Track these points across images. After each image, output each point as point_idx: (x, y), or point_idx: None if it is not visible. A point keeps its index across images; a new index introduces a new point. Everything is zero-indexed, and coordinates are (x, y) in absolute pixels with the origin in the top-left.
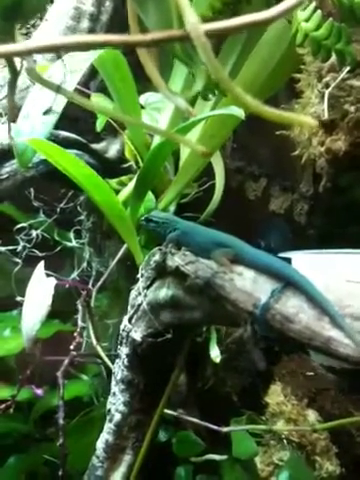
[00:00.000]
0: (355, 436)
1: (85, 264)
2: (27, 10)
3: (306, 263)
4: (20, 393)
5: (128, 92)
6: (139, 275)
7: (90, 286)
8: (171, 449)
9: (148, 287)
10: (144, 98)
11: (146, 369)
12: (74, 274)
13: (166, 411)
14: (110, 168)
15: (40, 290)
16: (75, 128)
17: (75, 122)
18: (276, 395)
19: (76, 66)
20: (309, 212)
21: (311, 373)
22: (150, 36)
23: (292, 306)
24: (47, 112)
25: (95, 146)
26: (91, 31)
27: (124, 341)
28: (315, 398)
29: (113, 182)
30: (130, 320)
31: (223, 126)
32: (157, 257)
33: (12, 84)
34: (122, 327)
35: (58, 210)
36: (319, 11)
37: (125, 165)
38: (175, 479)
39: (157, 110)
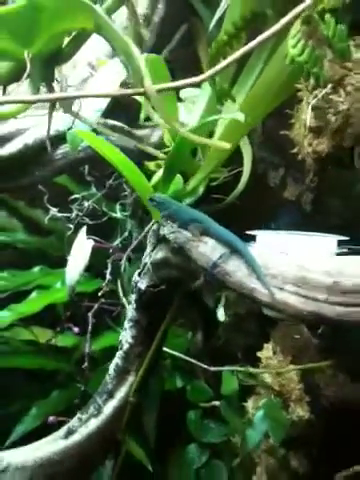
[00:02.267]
0: (322, 389)
1: (126, 233)
2: (63, 58)
3: (263, 239)
4: (65, 338)
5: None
6: (148, 241)
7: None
8: (185, 396)
9: (152, 250)
10: (184, 93)
11: (147, 312)
12: (117, 241)
13: (185, 358)
14: None
15: (80, 250)
16: (127, 117)
17: (127, 112)
18: (267, 352)
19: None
20: (313, 201)
21: (297, 336)
22: (118, 91)
23: (232, 266)
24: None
25: (140, 133)
26: (143, 31)
27: (134, 290)
28: (297, 355)
29: (151, 164)
30: (139, 274)
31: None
32: (155, 228)
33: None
34: (133, 279)
35: (107, 185)
36: (303, 40)
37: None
38: (187, 421)
39: (193, 103)
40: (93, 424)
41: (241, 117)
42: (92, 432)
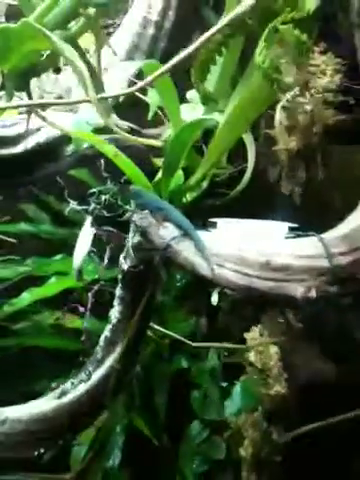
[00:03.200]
0: (301, 369)
1: None
2: (39, 70)
3: (222, 226)
4: (89, 322)
5: (169, 91)
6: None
7: None
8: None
9: (132, 236)
10: (189, 94)
11: (130, 290)
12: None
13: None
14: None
15: (84, 237)
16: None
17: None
18: (254, 333)
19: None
20: (302, 195)
21: (282, 320)
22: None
23: (182, 246)
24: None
25: (151, 132)
26: (155, 37)
27: (120, 271)
28: (279, 337)
29: (158, 161)
30: (124, 258)
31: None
32: (129, 214)
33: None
34: (119, 261)
35: (122, 180)
36: (265, 49)
37: None
38: (191, 400)
39: (196, 103)
40: (83, 388)
41: (219, 119)
42: (82, 395)
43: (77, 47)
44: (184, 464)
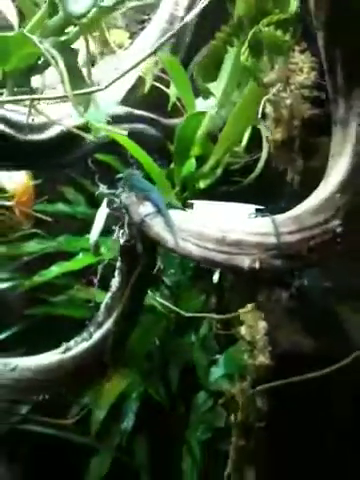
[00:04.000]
0: (283, 342)
1: None
2: (37, 71)
3: (198, 207)
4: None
5: (184, 84)
6: None
7: None
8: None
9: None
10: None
11: (126, 262)
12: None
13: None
14: None
15: (100, 215)
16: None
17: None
18: (246, 309)
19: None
20: (299, 183)
21: (275, 299)
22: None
23: (155, 222)
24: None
25: (171, 121)
26: (180, 32)
27: (119, 245)
28: (267, 313)
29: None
30: (122, 233)
31: None
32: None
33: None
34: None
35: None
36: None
37: None
38: (197, 369)
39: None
40: (84, 346)
41: (213, 112)
42: (83, 351)
43: (71, 50)
44: (190, 433)
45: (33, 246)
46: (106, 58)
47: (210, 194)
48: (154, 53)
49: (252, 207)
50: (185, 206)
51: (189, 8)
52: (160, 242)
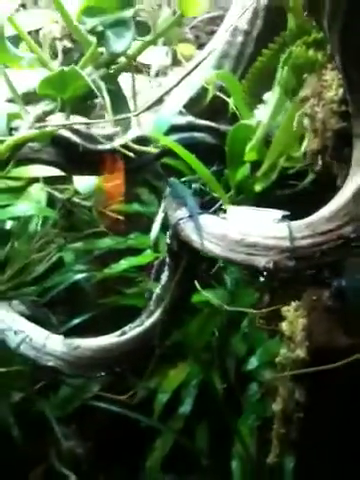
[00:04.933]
0: (320, 338)
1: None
2: (91, 96)
3: (232, 211)
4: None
5: (237, 93)
6: None
7: None
8: None
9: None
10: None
11: (173, 258)
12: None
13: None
14: None
15: (159, 216)
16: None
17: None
18: (290, 307)
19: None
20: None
21: (314, 297)
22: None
23: (187, 225)
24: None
25: (228, 129)
26: (243, 44)
27: (166, 244)
28: (309, 312)
29: None
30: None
31: None
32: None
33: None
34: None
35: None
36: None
37: None
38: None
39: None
40: (137, 330)
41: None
42: (136, 335)
43: (114, 79)
44: (241, 421)
45: (106, 242)
46: (175, 69)
47: (265, 197)
48: (185, 77)
49: (280, 213)
50: (222, 210)
51: (252, 21)
52: (189, 243)
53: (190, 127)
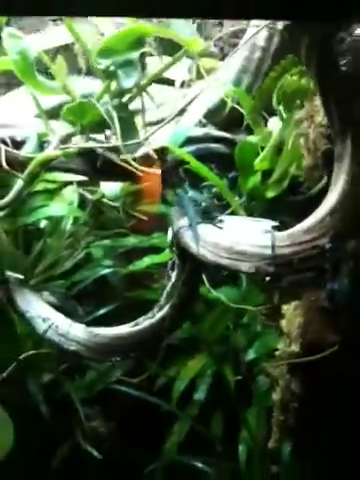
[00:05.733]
0: (313, 335)
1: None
2: (107, 124)
3: (227, 221)
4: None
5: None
6: None
7: None
8: None
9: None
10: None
11: (181, 258)
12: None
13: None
14: None
15: None
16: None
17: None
18: (290, 305)
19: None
20: None
21: (313, 299)
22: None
23: (186, 233)
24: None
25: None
26: (261, 59)
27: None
28: (306, 310)
29: None
30: None
31: None
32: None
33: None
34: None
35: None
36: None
37: None
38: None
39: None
40: (149, 322)
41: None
42: (147, 327)
43: (126, 108)
44: (250, 411)
45: (131, 240)
46: (198, 83)
47: (277, 203)
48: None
49: (270, 224)
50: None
51: (270, 38)
52: (188, 249)
53: (207, 138)
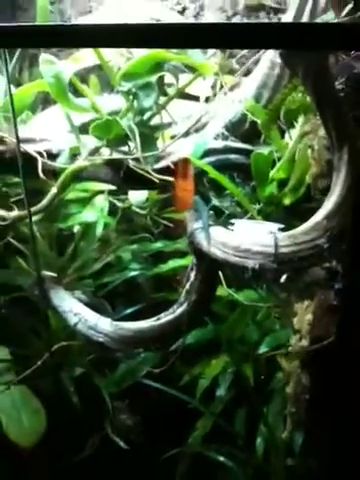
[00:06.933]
0: (321, 331)
1: None
2: (129, 139)
3: (237, 224)
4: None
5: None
6: None
7: None
8: None
9: None
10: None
11: (198, 258)
12: None
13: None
14: None
15: None
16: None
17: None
18: (302, 304)
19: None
20: None
21: (323, 296)
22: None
23: (199, 234)
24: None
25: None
26: (280, 76)
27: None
28: (316, 307)
29: None
30: None
31: None
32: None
33: None
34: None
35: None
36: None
37: None
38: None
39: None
40: (169, 317)
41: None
42: (167, 322)
43: (146, 124)
44: (268, 406)
45: (157, 245)
46: (221, 98)
47: (294, 210)
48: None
49: (276, 226)
50: (230, 223)
51: None
52: (201, 248)
53: (227, 150)
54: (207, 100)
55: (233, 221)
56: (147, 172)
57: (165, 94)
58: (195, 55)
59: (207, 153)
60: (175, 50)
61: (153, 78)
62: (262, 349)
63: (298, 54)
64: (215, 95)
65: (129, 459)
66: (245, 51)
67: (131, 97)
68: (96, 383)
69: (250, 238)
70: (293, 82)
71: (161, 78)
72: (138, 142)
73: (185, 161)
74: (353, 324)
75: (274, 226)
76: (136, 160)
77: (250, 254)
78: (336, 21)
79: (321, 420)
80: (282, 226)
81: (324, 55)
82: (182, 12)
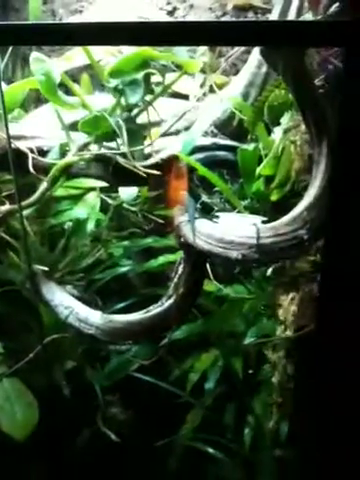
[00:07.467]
0: (304, 321)
1: None
2: (117, 135)
3: (222, 217)
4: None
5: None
6: None
7: None
8: None
9: None
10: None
11: (186, 252)
12: None
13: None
14: None
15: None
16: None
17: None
18: (287, 296)
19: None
20: None
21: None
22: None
23: (186, 227)
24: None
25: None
26: (267, 74)
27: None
28: (299, 302)
29: None
30: None
31: None
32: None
33: None
34: None
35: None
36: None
37: None
38: None
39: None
40: (157, 310)
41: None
42: (156, 314)
43: (133, 120)
44: (257, 397)
45: (147, 241)
46: (210, 96)
47: (281, 205)
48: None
49: (259, 219)
50: (215, 216)
51: None
52: (187, 240)
53: (215, 147)
54: (197, 99)
55: (218, 214)
56: (136, 168)
57: (152, 92)
58: (180, 53)
59: (195, 150)
60: (161, 48)
61: (139, 75)
62: (248, 339)
63: (278, 51)
64: (204, 94)
65: (120, 451)
66: (234, 50)
67: (118, 93)
68: (87, 377)
69: (233, 230)
70: (278, 79)
71: (148, 75)
72: (125, 138)
73: (178, 159)
74: (331, 313)
75: (257, 219)
76: (124, 156)
77: (233, 245)
78: (315, 19)
79: (306, 409)
80: (265, 219)
81: (303, 52)
82: (172, 12)
